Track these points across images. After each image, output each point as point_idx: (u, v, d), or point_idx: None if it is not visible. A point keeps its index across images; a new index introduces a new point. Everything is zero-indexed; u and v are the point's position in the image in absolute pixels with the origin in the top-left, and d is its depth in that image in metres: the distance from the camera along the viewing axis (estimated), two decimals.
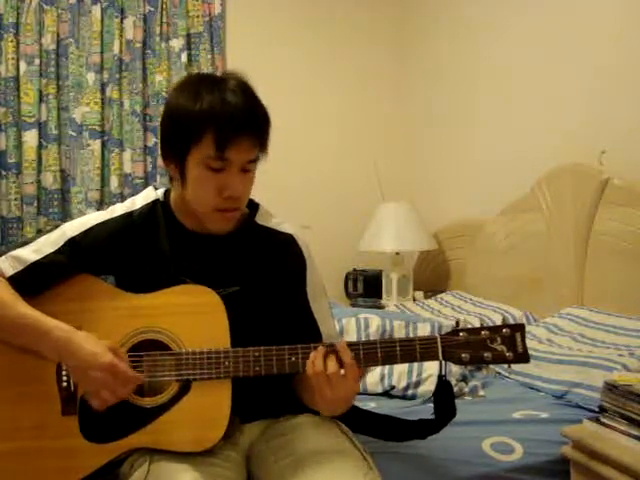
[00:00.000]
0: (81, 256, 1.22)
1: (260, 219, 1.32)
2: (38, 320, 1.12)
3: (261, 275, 1.27)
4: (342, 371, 1.11)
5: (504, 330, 1.15)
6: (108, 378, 1.09)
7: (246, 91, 1.19)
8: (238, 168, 1.18)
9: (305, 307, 1.30)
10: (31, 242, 1.23)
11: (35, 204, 2.98)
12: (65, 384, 1.17)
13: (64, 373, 1.17)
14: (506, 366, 1.17)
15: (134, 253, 1.25)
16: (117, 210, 1.28)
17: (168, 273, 1.23)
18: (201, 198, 1.21)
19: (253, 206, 1.34)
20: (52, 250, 1.21)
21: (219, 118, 1.13)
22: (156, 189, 1.33)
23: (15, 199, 2.97)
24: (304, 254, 1.32)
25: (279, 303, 1.29)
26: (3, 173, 2.97)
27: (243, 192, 1.21)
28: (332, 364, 1.11)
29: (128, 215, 1.27)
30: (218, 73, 1.27)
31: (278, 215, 1.37)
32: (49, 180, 3.01)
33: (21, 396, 1.17)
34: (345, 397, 1.13)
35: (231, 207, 1.21)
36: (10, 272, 1.19)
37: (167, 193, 1.31)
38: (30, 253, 1.21)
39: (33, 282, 1.20)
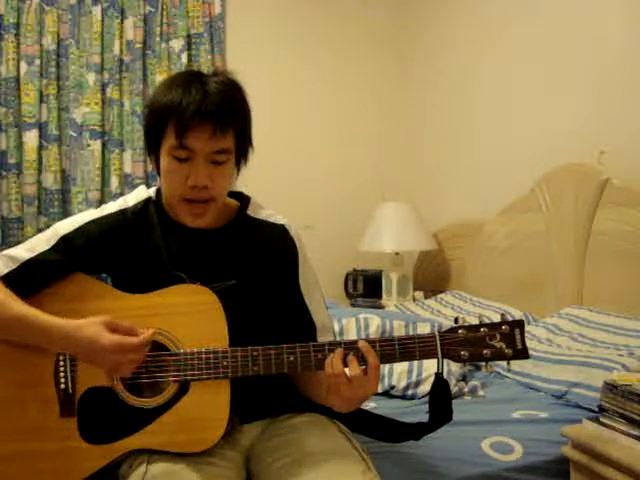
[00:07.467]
0: (74, 253, 1.22)
1: (251, 212, 1.33)
2: (35, 318, 1.12)
3: (256, 268, 1.28)
4: (363, 371, 1.10)
5: (503, 327, 1.16)
6: (117, 355, 1.10)
7: (221, 84, 1.19)
8: (203, 158, 1.18)
9: (298, 297, 1.30)
10: (25, 242, 1.24)
11: (36, 204, 2.99)
12: (63, 386, 1.17)
13: (62, 375, 1.17)
14: (505, 363, 1.17)
15: (128, 251, 1.25)
16: (109, 208, 1.28)
17: (164, 270, 1.23)
18: (170, 188, 1.23)
19: (244, 200, 1.34)
20: (45, 248, 1.21)
21: (179, 107, 1.15)
22: (148, 188, 1.33)
23: (16, 199, 2.98)
24: (296, 244, 1.33)
25: (273, 294, 1.29)
26: (4, 173, 2.98)
27: (211, 184, 1.19)
28: (354, 365, 1.11)
29: (121, 213, 1.27)
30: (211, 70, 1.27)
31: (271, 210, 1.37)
32: (49, 180, 3.02)
33: (19, 398, 1.17)
34: (364, 396, 1.13)
35: (198, 198, 1.21)
36: (4, 271, 1.19)
37: (159, 191, 1.31)
38: (23, 252, 1.21)
39: (28, 280, 1.19)
